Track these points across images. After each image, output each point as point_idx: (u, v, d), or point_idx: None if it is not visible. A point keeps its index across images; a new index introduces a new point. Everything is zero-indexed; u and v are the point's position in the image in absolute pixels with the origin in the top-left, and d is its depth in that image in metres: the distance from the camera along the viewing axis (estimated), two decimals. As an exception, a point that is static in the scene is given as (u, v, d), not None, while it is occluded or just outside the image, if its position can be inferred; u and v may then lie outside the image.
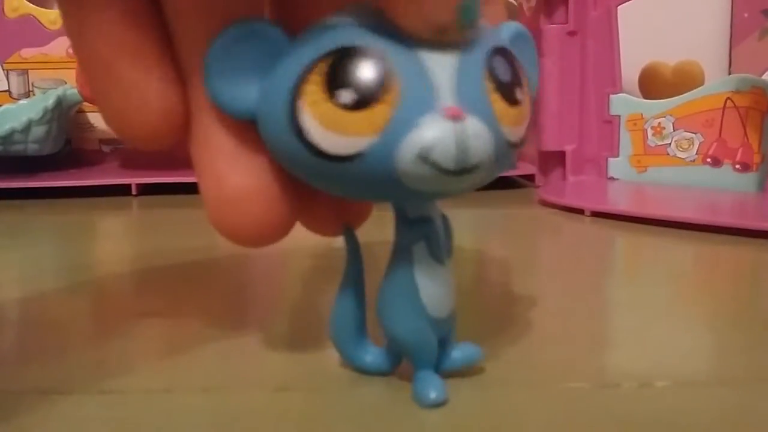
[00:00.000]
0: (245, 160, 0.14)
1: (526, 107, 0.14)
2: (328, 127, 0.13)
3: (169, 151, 0.16)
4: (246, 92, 0.14)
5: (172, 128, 0.15)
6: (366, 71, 0.13)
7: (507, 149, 0.14)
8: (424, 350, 0.15)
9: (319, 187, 0.14)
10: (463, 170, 0.13)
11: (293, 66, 0.13)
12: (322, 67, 0.13)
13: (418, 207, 0.15)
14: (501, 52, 0.14)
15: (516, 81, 0.14)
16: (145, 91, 0.14)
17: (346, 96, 0.13)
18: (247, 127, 0.14)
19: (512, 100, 0.14)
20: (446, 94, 0.13)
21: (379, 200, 0.16)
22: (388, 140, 0.13)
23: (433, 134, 0.12)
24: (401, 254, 0.15)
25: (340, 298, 0.17)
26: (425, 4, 0.13)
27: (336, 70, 0.13)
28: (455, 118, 0.12)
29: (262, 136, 0.14)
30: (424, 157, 0.12)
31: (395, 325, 0.15)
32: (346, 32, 0.13)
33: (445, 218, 0.16)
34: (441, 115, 0.12)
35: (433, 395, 0.15)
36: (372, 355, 0.17)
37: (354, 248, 0.16)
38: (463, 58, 0.13)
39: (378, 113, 0.12)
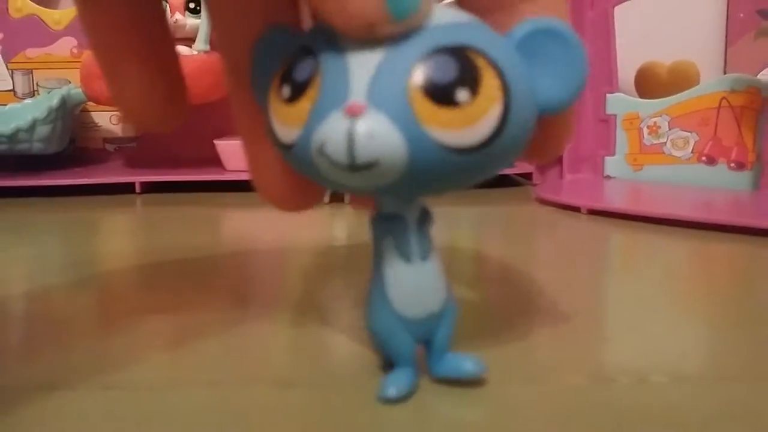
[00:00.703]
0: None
1: (476, 109, 0.13)
2: (276, 118, 0.14)
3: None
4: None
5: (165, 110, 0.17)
6: (298, 68, 0.14)
7: (441, 152, 0.13)
8: (393, 347, 0.15)
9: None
10: (356, 166, 0.13)
11: (276, 64, 0.15)
12: (284, 65, 0.14)
13: (390, 203, 0.15)
14: (448, 50, 0.13)
15: (461, 82, 0.13)
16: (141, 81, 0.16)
17: (286, 90, 0.14)
18: None
19: (446, 101, 0.13)
20: (359, 92, 0.13)
21: (328, 188, 0.16)
22: (305, 133, 0.13)
23: (326, 129, 0.13)
24: (374, 249, 0.15)
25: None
26: (348, 1, 0.12)
27: (286, 68, 0.14)
28: (353, 113, 0.12)
29: None
30: (319, 151, 0.13)
31: (369, 319, 0.16)
32: (309, 34, 0.14)
33: (424, 218, 0.15)
34: (341, 111, 0.13)
35: (390, 391, 0.15)
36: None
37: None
38: (389, 56, 0.13)
39: (302, 107, 0.13)
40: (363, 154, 0.13)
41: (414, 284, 0.15)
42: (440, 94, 0.13)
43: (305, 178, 0.15)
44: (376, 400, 0.15)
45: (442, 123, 0.13)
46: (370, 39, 0.13)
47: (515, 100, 0.13)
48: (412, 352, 0.16)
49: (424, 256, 0.15)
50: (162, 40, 0.17)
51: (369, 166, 0.13)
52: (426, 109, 0.13)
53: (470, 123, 0.13)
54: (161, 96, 0.17)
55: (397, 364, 0.16)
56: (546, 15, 0.14)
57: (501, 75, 0.13)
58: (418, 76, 0.13)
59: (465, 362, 0.16)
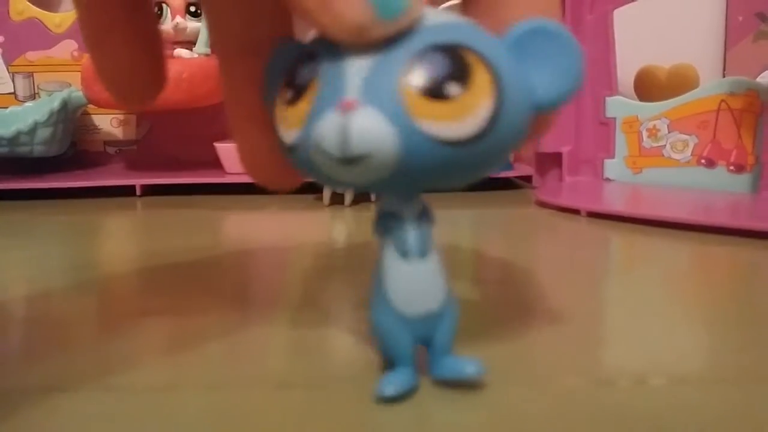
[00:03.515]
0: (272, 129, 0.16)
1: (467, 102, 0.13)
2: (279, 121, 0.15)
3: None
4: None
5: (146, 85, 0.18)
6: (299, 71, 0.14)
7: (431, 144, 0.13)
8: (392, 345, 0.16)
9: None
10: (349, 158, 0.13)
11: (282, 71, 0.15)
12: (289, 71, 0.15)
13: (389, 202, 0.15)
14: (440, 47, 0.13)
15: (452, 76, 0.13)
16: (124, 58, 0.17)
17: (288, 94, 0.14)
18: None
19: (438, 95, 0.13)
20: (353, 90, 0.13)
21: (329, 186, 0.16)
22: (304, 133, 0.14)
23: (321, 126, 0.13)
24: (379, 248, 0.16)
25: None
26: (334, 6, 0.13)
27: (289, 73, 0.15)
28: (345, 109, 0.13)
29: None
30: (317, 147, 0.13)
31: (372, 319, 0.16)
32: (312, 41, 0.15)
33: (424, 215, 0.16)
34: (335, 108, 0.13)
35: (388, 390, 0.15)
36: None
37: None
38: (381, 55, 0.13)
39: (301, 109, 0.14)
40: (355, 146, 0.13)
41: (412, 282, 0.15)
42: (431, 88, 0.13)
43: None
44: (375, 399, 0.15)
45: (433, 116, 0.13)
46: (363, 42, 0.13)
47: (507, 95, 0.14)
48: (411, 352, 0.16)
49: (423, 254, 0.15)
50: (145, 15, 0.17)
51: (361, 159, 0.13)
52: (417, 102, 0.13)
53: (461, 116, 0.13)
54: (142, 69, 0.17)
55: (397, 363, 0.16)
56: (538, 15, 0.14)
57: (492, 71, 0.13)
58: (410, 72, 0.13)
59: (464, 364, 0.16)
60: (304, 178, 0.17)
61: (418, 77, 0.13)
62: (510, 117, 0.14)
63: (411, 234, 0.15)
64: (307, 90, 0.14)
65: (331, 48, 0.14)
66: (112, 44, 0.17)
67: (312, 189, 0.44)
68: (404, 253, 0.15)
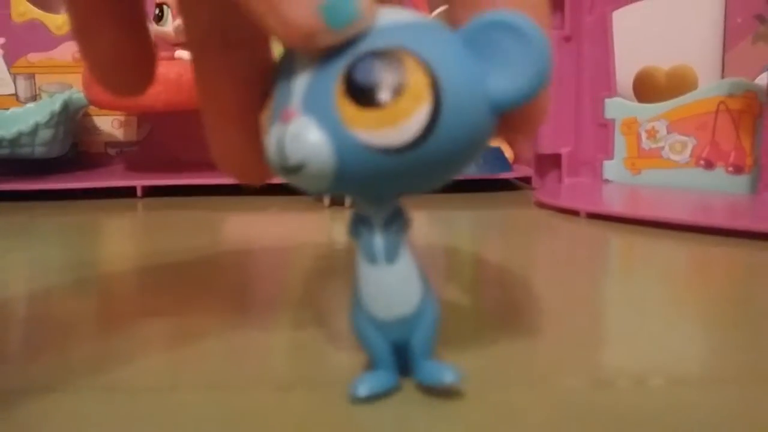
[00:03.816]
0: (244, 127, 0.16)
1: (399, 108, 0.13)
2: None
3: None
4: None
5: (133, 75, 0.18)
6: (272, 83, 0.15)
7: (368, 152, 0.13)
8: (367, 347, 0.16)
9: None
10: (286, 168, 0.14)
11: None
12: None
13: (360, 205, 0.15)
14: (374, 53, 0.13)
15: (382, 83, 0.13)
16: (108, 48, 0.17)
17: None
18: (245, 102, 0.16)
19: (369, 103, 0.13)
20: (296, 99, 0.14)
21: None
22: (267, 142, 0.14)
23: (269, 135, 0.14)
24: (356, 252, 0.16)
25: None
26: (281, 12, 0.13)
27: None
28: (284, 119, 0.14)
29: None
30: (267, 156, 0.14)
31: (351, 321, 0.16)
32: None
33: (395, 220, 0.15)
34: (279, 118, 0.14)
35: (360, 391, 0.15)
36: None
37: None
38: (322, 63, 0.13)
39: (265, 118, 0.14)
40: (290, 156, 0.13)
41: (380, 286, 0.15)
42: (361, 96, 0.13)
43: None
44: (349, 399, 0.15)
45: (366, 124, 0.13)
46: (312, 49, 0.13)
47: (448, 98, 0.13)
48: (387, 354, 0.16)
49: (391, 260, 0.15)
50: (134, 4, 0.17)
51: (298, 168, 0.14)
52: (350, 111, 0.13)
53: (394, 123, 0.13)
54: (129, 57, 0.17)
55: (375, 365, 0.16)
56: (519, 7, 0.14)
57: (431, 73, 0.13)
58: (342, 80, 0.13)
59: (443, 371, 0.15)
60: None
61: (348, 85, 0.13)
62: (454, 120, 0.13)
63: (378, 239, 0.15)
64: (270, 99, 0.14)
65: (289, 55, 0.14)
66: (99, 29, 0.16)
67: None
68: (372, 259, 0.15)
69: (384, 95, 0.13)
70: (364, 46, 0.13)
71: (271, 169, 0.15)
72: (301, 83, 0.14)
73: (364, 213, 0.15)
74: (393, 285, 0.15)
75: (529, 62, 0.13)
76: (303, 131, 0.13)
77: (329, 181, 0.14)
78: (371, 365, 0.16)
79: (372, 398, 0.15)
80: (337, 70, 0.13)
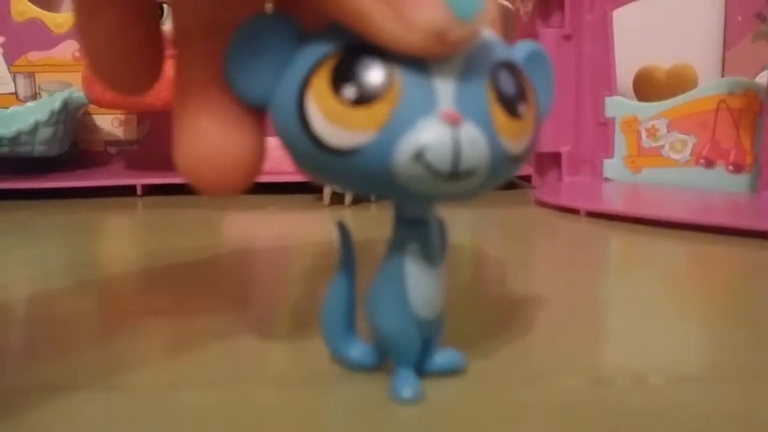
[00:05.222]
0: (222, 120, 0.15)
1: (528, 123, 0.14)
2: (332, 121, 0.13)
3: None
4: (259, 82, 0.14)
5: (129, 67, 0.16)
6: (369, 69, 0.13)
7: (505, 161, 0.14)
8: (406, 349, 0.16)
9: (322, 179, 0.15)
10: (455, 174, 0.13)
11: (305, 60, 0.14)
12: (331, 63, 0.13)
13: (416, 208, 0.15)
14: (507, 66, 0.14)
15: (520, 96, 0.14)
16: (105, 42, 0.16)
17: (350, 91, 0.13)
18: (225, 94, 0.15)
19: (514, 114, 0.14)
20: (446, 99, 0.13)
21: (377, 195, 0.16)
22: (385, 138, 0.13)
23: (429, 135, 0.13)
24: (395, 252, 0.15)
25: (330, 292, 0.17)
26: (407, 13, 0.12)
27: (343, 66, 0.13)
28: (453, 122, 0.13)
29: (274, 126, 0.15)
30: (418, 157, 0.13)
31: (381, 321, 0.16)
32: (345, 32, 0.13)
33: (441, 222, 0.16)
34: (439, 118, 0.13)
35: (407, 393, 0.15)
36: (358, 350, 0.17)
37: (346, 242, 0.17)
38: (467, 66, 0.13)
39: (378, 111, 0.13)
40: (466, 162, 0.13)
41: (435, 287, 0.15)
42: (510, 106, 0.14)
43: (242, 162, 0.15)
44: (392, 400, 0.15)
45: (510, 134, 0.14)
46: (437, 52, 0.13)
47: (539, 113, 0.15)
48: (418, 353, 0.16)
49: (442, 259, 0.16)
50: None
51: (467, 175, 0.13)
52: (501, 119, 0.13)
53: (525, 134, 0.14)
54: (137, 49, 0.16)
55: (402, 364, 0.16)
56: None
57: (533, 90, 0.15)
58: (494, 88, 0.13)
59: (448, 357, 0.16)
60: (249, 182, 0.16)
61: (500, 94, 0.14)
62: (539, 131, 0.15)
63: (436, 241, 0.15)
64: (386, 91, 0.13)
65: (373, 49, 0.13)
66: (102, 8, 0.15)
67: (312, 189, 0.44)
68: (432, 261, 0.15)
69: (522, 107, 0.14)
70: (492, 56, 0.14)
71: (379, 171, 0.13)
72: (445, 82, 0.13)
73: (420, 217, 0.15)
74: (441, 285, 0.16)
75: (551, 83, 0.16)
76: (479, 137, 0.13)
77: (475, 187, 0.14)
78: (396, 364, 0.16)
79: (416, 398, 0.15)
80: (482, 76, 0.13)
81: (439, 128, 0.13)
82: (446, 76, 0.13)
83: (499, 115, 0.13)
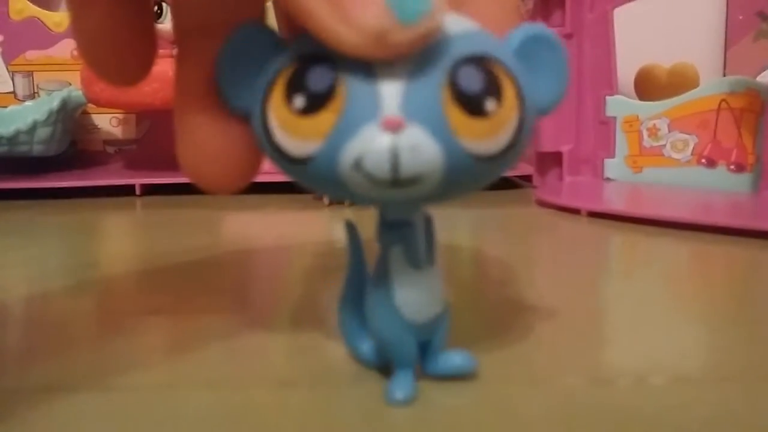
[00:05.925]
0: (223, 118, 0.15)
1: (501, 119, 0.13)
2: (285, 131, 0.13)
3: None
4: (241, 92, 0.15)
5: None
6: (315, 78, 0.13)
7: (468, 162, 0.13)
8: (399, 351, 0.16)
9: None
10: (397, 182, 0.13)
11: (269, 71, 0.14)
12: (287, 73, 0.13)
13: (397, 210, 0.15)
14: (475, 60, 0.13)
15: (488, 92, 0.13)
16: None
17: (299, 101, 0.13)
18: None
19: (477, 112, 0.13)
20: (391, 104, 0.12)
21: (346, 199, 0.16)
22: (330, 147, 0.13)
23: (365, 144, 0.12)
24: (380, 256, 0.15)
25: (344, 289, 0.17)
26: (349, 12, 0.12)
27: (294, 77, 0.13)
28: (393, 128, 0.12)
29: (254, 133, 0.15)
30: (357, 167, 0.13)
31: (374, 324, 0.16)
32: (314, 41, 0.13)
33: (428, 222, 0.16)
34: (379, 125, 0.12)
35: (398, 395, 0.15)
36: (368, 345, 0.17)
37: (354, 240, 0.17)
38: (419, 67, 0.13)
39: (324, 120, 0.13)
40: (407, 169, 0.12)
41: (423, 290, 0.15)
42: (472, 105, 0.13)
43: (240, 160, 0.15)
44: (385, 402, 0.15)
45: (473, 133, 0.13)
46: (381, 53, 0.12)
47: (527, 107, 0.14)
48: (415, 356, 0.16)
49: (431, 261, 0.15)
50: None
51: (412, 182, 0.13)
52: (459, 120, 0.13)
53: (496, 132, 0.13)
54: (124, 43, 0.16)
55: (399, 365, 0.16)
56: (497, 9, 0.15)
57: (516, 84, 0.14)
58: (450, 87, 0.13)
59: (457, 359, 0.16)
60: (248, 181, 0.16)
61: (459, 93, 0.13)
62: (528, 127, 0.14)
63: (422, 243, 0.15)
64: (331, 99, 0.13)
65: (324, 54, 0.13)
66: (98, 7, 0.15)
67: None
68: (417, 263, 0.15)
69: (490, 104, 0.13)
70: (456, 52, 0.13)
71: (330, 181, 0.13)
72: (391, 86, 0.13)
73: (403, 219, 0.15)
74: (433, 286, 0.15)
75: (561, 71, 0.15)
76: (421, 143, 0.12)
77: (428, 192, 0.13)
78: (395, 365, 0.16)
79: (408, 401, 0.15)
80: (437, 75, 0.13)
81: (376, 136, 0.12)
82: (394, 79, 0.13)
83: (455, 115, 0.13)
